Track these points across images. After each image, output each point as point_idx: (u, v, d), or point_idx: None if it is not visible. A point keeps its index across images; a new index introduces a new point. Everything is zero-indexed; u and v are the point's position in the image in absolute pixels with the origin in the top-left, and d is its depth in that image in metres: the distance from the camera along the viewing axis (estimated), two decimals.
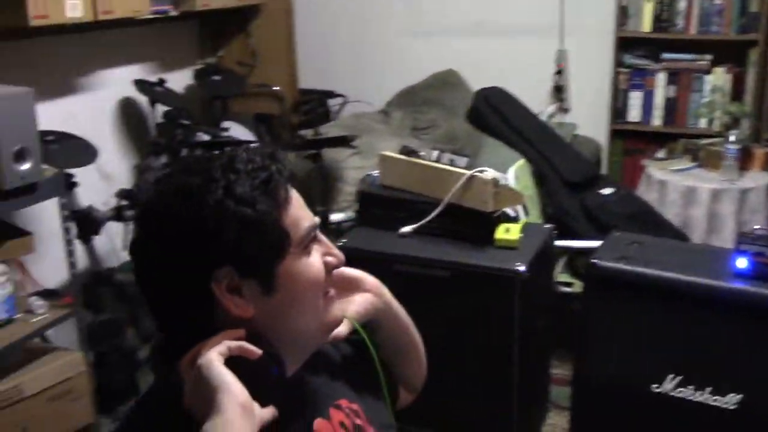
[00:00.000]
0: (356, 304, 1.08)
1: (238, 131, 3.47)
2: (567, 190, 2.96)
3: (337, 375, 1.08)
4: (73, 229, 2.61)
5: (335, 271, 1.04)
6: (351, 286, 1.10)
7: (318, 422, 0.98)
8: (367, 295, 1.11)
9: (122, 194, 2.71)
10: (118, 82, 3.21)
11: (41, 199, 2.28)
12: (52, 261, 2.61)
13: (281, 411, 0.89)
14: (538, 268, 2.34)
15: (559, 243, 2.58)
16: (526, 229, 2.40)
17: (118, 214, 2.66)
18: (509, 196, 2.31)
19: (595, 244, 2.36)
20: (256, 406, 0.85)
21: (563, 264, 2.99)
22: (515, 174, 2.87)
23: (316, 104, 3.86)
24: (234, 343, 0.87)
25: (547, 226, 2.55)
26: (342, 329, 1.03)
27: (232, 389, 0.83)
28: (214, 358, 0.85)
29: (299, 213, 0.94)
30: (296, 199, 0.95)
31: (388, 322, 1.16)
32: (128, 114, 3.30)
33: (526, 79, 3.67)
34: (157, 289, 0.92)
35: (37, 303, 2.41)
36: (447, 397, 2.31)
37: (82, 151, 2.62)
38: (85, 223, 2.65)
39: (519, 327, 2.24)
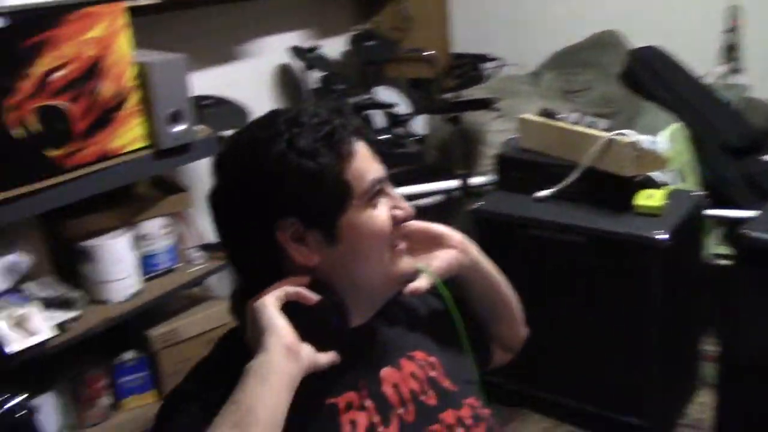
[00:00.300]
0: (440, 259, 1.09)
1: (389, 96, 3.52)
2: (728, 156, 2.75)
3: (417, 328, 1.09)
4: None
5: (419, 228, 1.05)
6: (436, 242, 1.11)
7: (386, 371, 1.00)
8: (451, 251, 1.11)
9: None
10: (275, 49, 3.35)
11: (195, 158, 2.44)
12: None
13: (345, 357, 0.92)
14: (684, 238, 2.22)
15: (710, 212, 2.41)
16: (673, 195, 2.28)
17: None
18: (652, 161, 2.19)
19: (751, 214, 2.20)
20: (308, 349, 0.89)
21: (721, 235, 2.80)
22: (669, 138, 2.71)
23: (469, 68, 3.82)
24: (292, 289, 0.91)
25: (697, 193, 2.40)
26: (422, 283, 1.05)
27: (279, 330, 0.87)
28: (268, 301, 0.89)
29: (364, 166, 0.96)
30: (362, 153, 0.97)
31: (477, 280, 1.16)
32: (284, 80, 3.45)
33: (691, 38, 3.43)
34: (230, 236, 0.98)
35: (196, 254, 2.61)
36: (585, 366, 2.27)
37: (235, 114, 2.77)
38: None
39: (658, 298, 2.14)
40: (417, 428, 0.99)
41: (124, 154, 2.23)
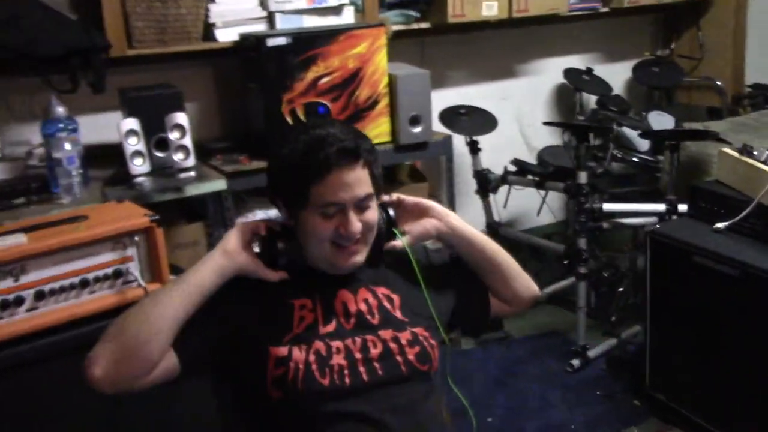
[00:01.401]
0: (420, 225, 1.50)
1: (661, 121, 3.65)
2: None
3: (393, 271, 1.50)
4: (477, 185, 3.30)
5: (411, 201, 1.49)
6: (422, 213, 1.52)
7: (342, 292, 1.44)
8: (432, 220, 1.51)
9: (514, 162, 3.27)
10: (555, 69, 3.72)
11: (431, 155, 3.00)
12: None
13: (300, 277, 1.41)
14: None
15: None
16: None
17: (503, 178, 3.23)
18: None
19: None
20: (248, 258, 1.37)
21: None
22: None
23: (762, 99, 3.75)
24: (253, 223, 1.41)
25: None
26: (398, 243, 1.47)
27: (225, 240, 1.38)
28: (234, 229, 1.40)
29: (330, 188, 1.33)
30: (336, 177, 1.33)
31: (457, 243, 1.53)
32: (559, 97, 3.81)
33: None
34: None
35: None
36: (737, 397, 2.32)
37: (486, 122, 3.23)
38: (481, 182, 3.29)
39: None
40: (352, 334, 1.40)
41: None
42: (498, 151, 3.41)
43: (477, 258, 1.56)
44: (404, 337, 1.43)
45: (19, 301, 1.76)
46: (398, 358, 1.40)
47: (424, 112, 2.89)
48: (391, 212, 1.48)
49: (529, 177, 3.20)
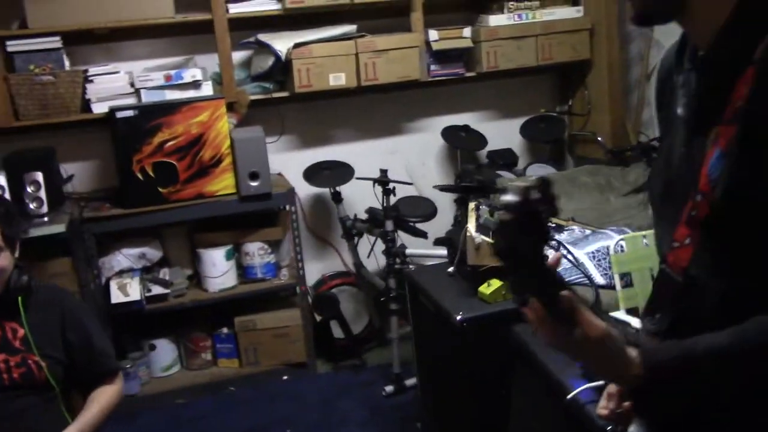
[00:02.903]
0: None
1: (538, 172, 3.95)
2: None
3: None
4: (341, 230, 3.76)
5: None
6: None
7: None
8: None
9: (367, 211, 3.71)
10: (438, 127, 4.11)
11: (272, 205, 3.51)
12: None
13: None
14: None
15: None
16: None
17: (353, 225, 3.68)
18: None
19: None
20: None
21: None
22: None
23: (639, 153, 3.94)
24: None
25: None
26: None
27: None
28: None
29: None
30: None
31: None
32: (441, 153, 4.18)
33: None
34: None
35: (284, 273, 3.67)
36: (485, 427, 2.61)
37: (344, 174, 3.69)
38: (344, 227, 3.75)
39: None
40: None
41: (217, 196, 3.42)
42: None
43: None
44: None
45: None
46: None
47: (262, 168, 3.42)
48: None
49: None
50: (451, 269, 2.75)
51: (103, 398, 2.12)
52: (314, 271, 3.96)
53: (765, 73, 0.96)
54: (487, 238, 2.52)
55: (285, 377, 3.64)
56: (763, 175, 0.96)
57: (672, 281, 1.14)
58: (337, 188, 3.71)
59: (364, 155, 3.90)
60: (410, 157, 4.06)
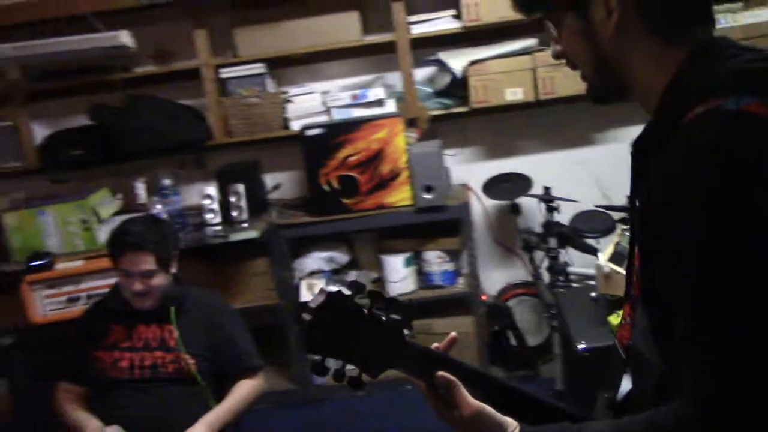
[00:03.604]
0: None
1: None
2: None
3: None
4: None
5: None
6: None
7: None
8: None
9: (544, 225, 3.71)
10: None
11: (447, 217, 3.66)
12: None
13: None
14: None
15: None
16: None
17: (538, 242, 3.68)
18: None
19: None
20: None
21: None
22: None
23: None
24: None
25: None
26: None
27: None
28: None
29: (122, 263, 2.30)
30: (127, 256, 2.29)
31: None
32: None
33: None
34: None
35: (462, 281, 3.81)
36: None
37: (523, 187, 3.73)
38: (524, 240, 3.80)
39: None
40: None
41: (394, 207, 3.66)
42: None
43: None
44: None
45: None
46: None
47: (436, 181, 3.58)
48: None
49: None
50: (594, 294, 2.72)
51: (242, 391, 2.44)
52: (499, 279, 4.04)
53: (657, 167, 0.94)
54: (617, 267, 2.47)
55: None
56: (657, 276, 0.94)
57: (619, 357, 1.14)
58: (517, 200, 3.76)
59: (549, 166, 3.89)
60: (600, 169, 3.96)
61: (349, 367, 1.13)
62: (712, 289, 0.84)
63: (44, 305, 3.16)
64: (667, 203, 0.89)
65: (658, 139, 0.97)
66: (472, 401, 1.08)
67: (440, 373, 1.08)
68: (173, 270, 2.46)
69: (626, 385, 1.17)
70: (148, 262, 2.34)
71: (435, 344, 1.15)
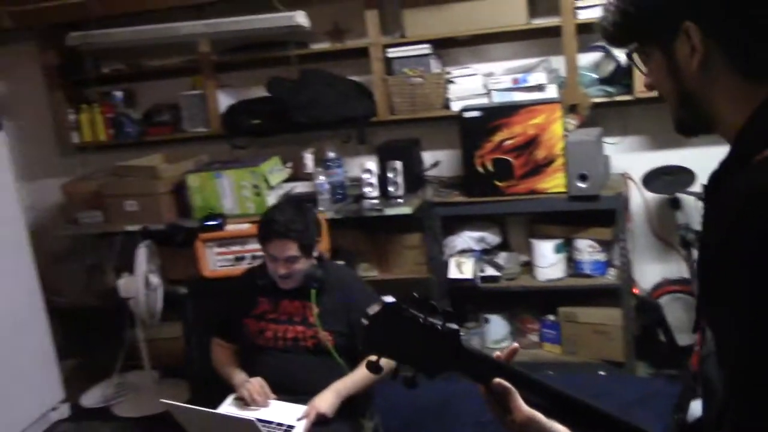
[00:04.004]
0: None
1: None
2: None
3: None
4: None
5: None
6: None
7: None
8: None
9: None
10: None
11: (600, 206, 3.61)
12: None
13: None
14: None
15: None
16: None
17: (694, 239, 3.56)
18: None
19: None
20: None
21: None
22: None
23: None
24: None
25: None
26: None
27: None
28: None
29: (270, 249, 2.54)
30: (273, 242, 2.52)
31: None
32: None
33: None
34: None
35: (612, 272, 3.77)
36: None
37: (685, 181, 3.59)
38: (681, 237, 3.68)
39: None
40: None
41: (547, 193, 3.67)
42: None
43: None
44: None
45: None
46: None
47: (592, 170, 3.54)
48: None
49: None
50: None
51: None
52: (655, 273, 3.94)
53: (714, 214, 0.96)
54: None
55: (601, 372, 3.76)
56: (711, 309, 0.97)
57: (689, 381, 1.18)
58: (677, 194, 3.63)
59: (715, 161, 3.70)
60: None
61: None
62: (758, 333, 0.86)
63: (214, 261, 3.51)
64: (720, 244, 0.91)
65: (726, 177, 0.99)
66: (525, 408, 1.15)
67: (497, 380, 1.15)
68: (315, 254, 2.65)
69: (697, 408, 1.19)
70: (292, 249, 2.56)
71: (497, 353, 1.22)
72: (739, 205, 0.90)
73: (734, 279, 0.88)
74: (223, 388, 2.69)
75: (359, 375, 2.58)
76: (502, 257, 3.92)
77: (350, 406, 2.57)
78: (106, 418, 3.87)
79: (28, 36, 4.40)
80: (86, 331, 4.42)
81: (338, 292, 2.65)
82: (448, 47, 3.97)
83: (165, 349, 3.97)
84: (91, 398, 4.06)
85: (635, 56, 1.11)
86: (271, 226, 2.58)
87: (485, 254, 3.94)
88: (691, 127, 1.10)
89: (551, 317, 3.92)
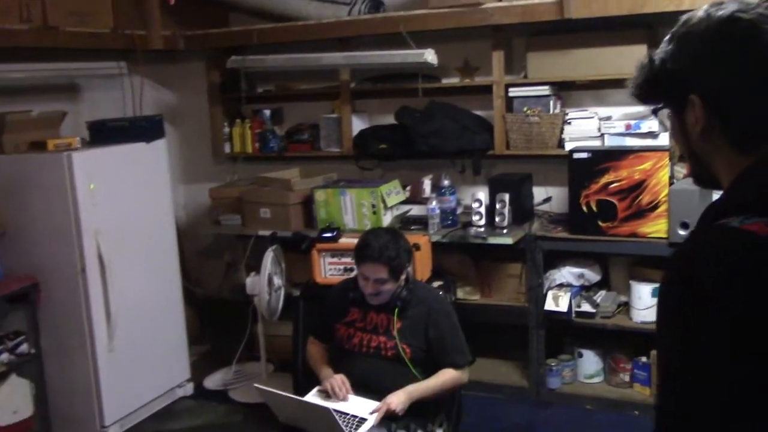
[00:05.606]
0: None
1: None
2: None
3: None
4: None
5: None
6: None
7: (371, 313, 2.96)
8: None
9: None
10: None
11: None
12: None
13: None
14: None
15: None
16: None
17: None
18: None
19: None
20: None
21: None
22: None
23: None
24: None
25: None
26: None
27: None
28: None
29: (362, 270, 2.86)
30: (366, 266, 2.82)
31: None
32: None
33: None
34: None
35: None
36: None
37: None
38: None
39: None
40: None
41: (648, 237, 3.76)
42: None
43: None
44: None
45: None
46: None
47: (694, 219, 3.60)
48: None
49: None
50: None
51: (444, 377, 2.87)
52: None
53: None
54: None
55: None
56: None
57: None
58: None
59: None
60: None
61: None
62: (671, 368, 1.08)
63: (326, 269, 3.88)
64: (659, 296, 1.11)
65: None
66: None
67: None
68: (403, 276, 2.94)
69: None
70: (382, 272, 2.86)
71: None
72: (677, 259, 1.10)
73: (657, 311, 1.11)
74: (318, 383, 3.03)
75: (432, 382, 2.84)
76: (600, 295, 4.03)
77: (421, 408, 2.83)
78: (223, 401, 4.33)
79: (197, 57, 5.03)
80: (218, 320, 4.95)
81: (420, 311, 2.92)
82: (568, 89, 4.16)
83: (281, 345, 4.37)
84: (212, 381, 4.54)
85: (660, 114, 1.27)
86: (366, 250, 2.89)
87: (585, 290, 4.06)
88: (703, 181, 1.26)
89: (644, 359, 3.98)
